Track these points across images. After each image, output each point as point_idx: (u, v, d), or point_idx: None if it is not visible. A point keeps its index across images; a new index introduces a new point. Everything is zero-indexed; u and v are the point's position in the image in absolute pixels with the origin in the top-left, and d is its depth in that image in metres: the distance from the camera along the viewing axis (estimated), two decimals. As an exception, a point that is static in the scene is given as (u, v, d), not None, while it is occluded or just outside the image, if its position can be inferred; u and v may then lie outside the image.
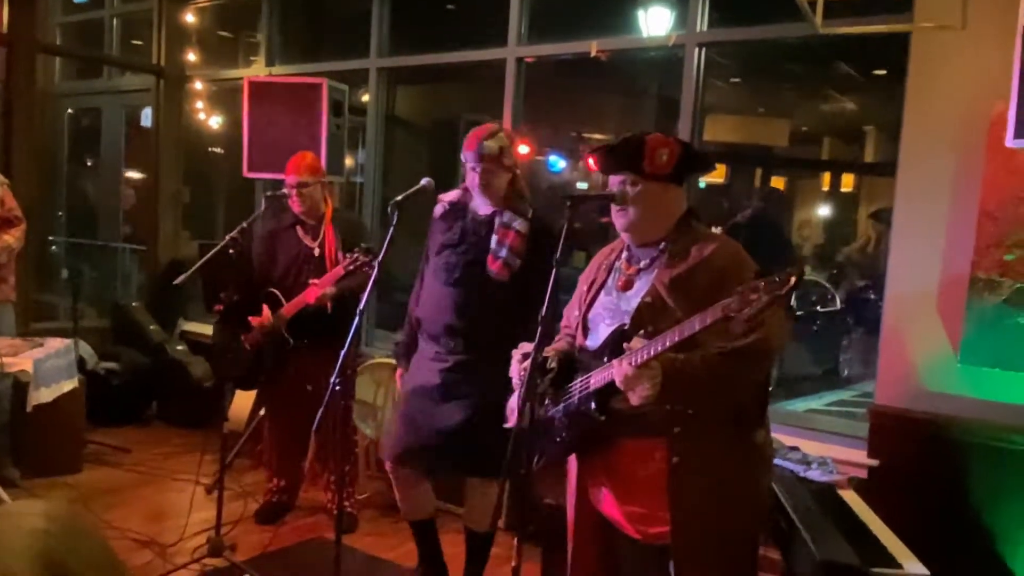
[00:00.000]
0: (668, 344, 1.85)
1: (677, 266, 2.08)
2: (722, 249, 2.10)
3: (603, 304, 2.23)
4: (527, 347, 2.25)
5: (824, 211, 10.95)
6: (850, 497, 2.68)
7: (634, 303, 2.10)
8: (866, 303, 7.75)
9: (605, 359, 2.07)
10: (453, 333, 2.96)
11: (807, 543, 2.19)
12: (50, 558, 0.85)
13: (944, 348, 3.18)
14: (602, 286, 2.26)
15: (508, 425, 2.42)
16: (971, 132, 3.07)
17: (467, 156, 2.93)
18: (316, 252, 3.80)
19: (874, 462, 3.27)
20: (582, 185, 11.73)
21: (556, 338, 2.42)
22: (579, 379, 2.17)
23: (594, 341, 2.18)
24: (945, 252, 3.18)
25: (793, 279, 1.63)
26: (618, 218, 2.16)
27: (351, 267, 3.43)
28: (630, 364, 1.90)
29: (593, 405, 2.08)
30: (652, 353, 1.87)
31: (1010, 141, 2.74)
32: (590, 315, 2.26)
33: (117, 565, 0.95)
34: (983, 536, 2.94)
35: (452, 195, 3.10)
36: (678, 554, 2.04)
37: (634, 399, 1.93)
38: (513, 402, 2.43)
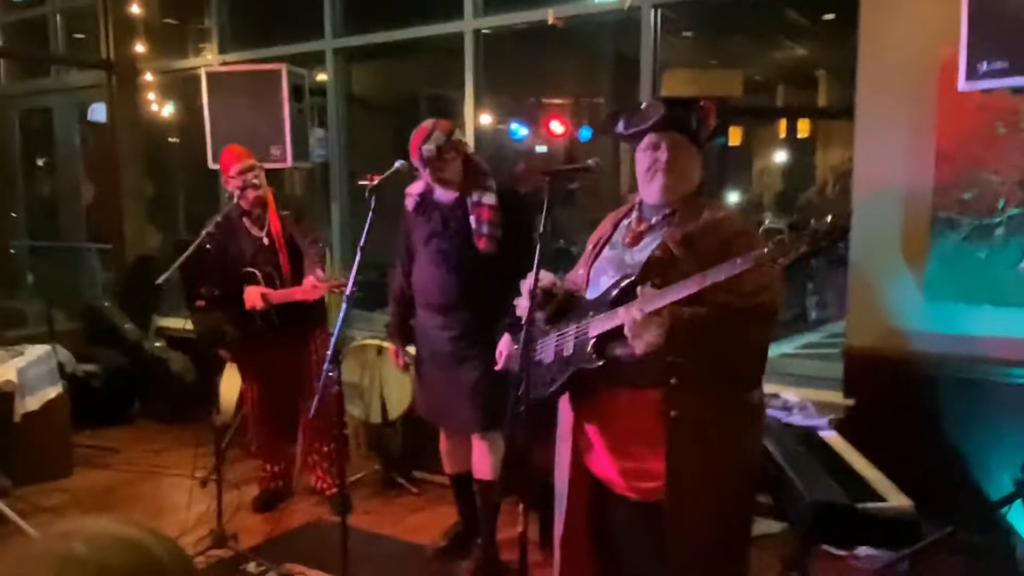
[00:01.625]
0: (686, 292, 1.89)
1: (688, 225, 2.12)
2: (734, 216, 2.18)
3: (607, 258, 2.25)
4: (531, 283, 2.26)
5: (781, 158, 11.09)
6: (832, 439, 2.80)
7: (641, 257, 2.13)
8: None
9: (608, 308, 2.08)
10: (459, 307, 3.24)
11: (797, 486, 2.30)
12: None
13: (910, 287, 3.31)
14: (607, 242, 2.28)
15: (498, 368, 2.53)
16: (923, 77, 3.17)
17: (414, 161, 3.17)
18: (265, 241, 3.77)
19: (850, 402, 3.40)
20: (541, 149, 11.75)
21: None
22: (575, 325, 2.19)
23: (594, 292, 2.20)
24: (906, 194, 3.29)
25: (838, 228, 1.70)
26: (664, 177, 2.15)
27: (332, 291, 3.52)
28: (640, 310, 1.92)
29: (591, 349, 2.10)
30: (668, 300, 1.90)
31: (962, 85, 2.84)
32: (593, 268, 2.27)
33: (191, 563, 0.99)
34: (958, 464, 3.10)
35: (417, 187, 3.32)
36: (670, 509, 2.07)
37: (639, 346, 1.95)
38: (503, 345, 2.51)
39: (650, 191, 2.19)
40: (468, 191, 3.19)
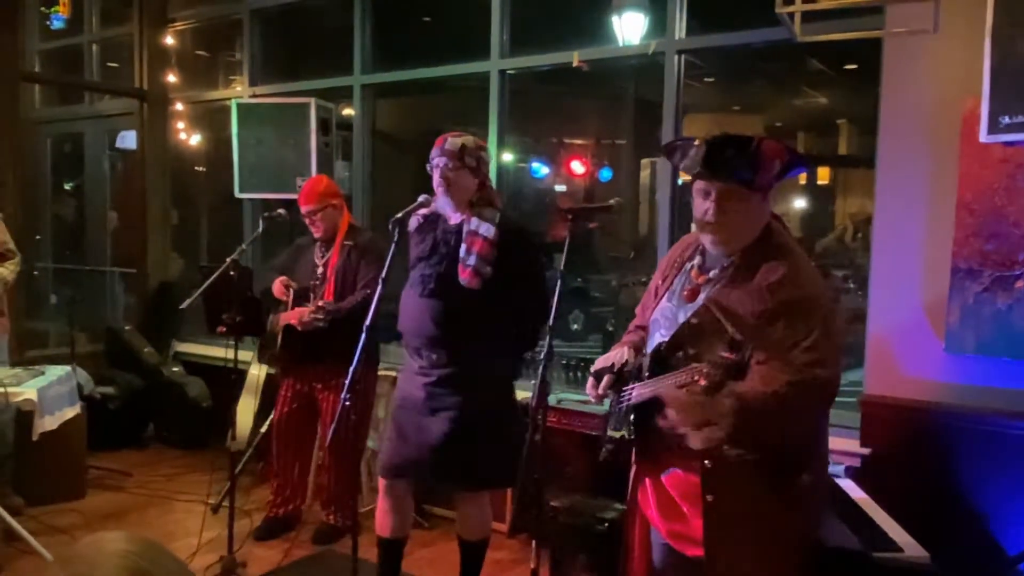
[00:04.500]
0: (649, 395, 1.87)
1: (738, 286, 1.94)
2: (790, 278, 1.91)
3: (663, 311, 2.11)
4: (600, 363, 2.21)
5: (801, 204, 11.11)
6: (848, 486, 2.78)
7: (684, 320, 2.00)
8: (846, 294, 7.88)
9: (646, 374, 2.00)
10: (433, 345, 2.97)
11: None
12: (138, 572, 0.92)
13: (929, 337, 3.29)
14: (669, 286, 2.15)
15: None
16: (945, 129, 3.18)
17: (432, 153, 2.98)
18: (320, 271, 3.94)
19: (866, 451, 3.38)
20: (560, 188, 11.86)
21: (626, 332, 2.35)
22: (630, 386, 2.11)
23: (649, 347, 2.10)
24: (926, 243, 3.29)
25: (729, 360, 1.68)
26: (715, 229, 1.97)
27: (307, 319, 3.71)
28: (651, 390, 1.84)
29: (628, 421, 2.06)
30: (640, 398, 1.85)
31: (984, 137, 2.86)
32: (651, 319, 2.15)
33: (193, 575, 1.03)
34: (975, 517, 3.05)
35: (425, 209, 3.08)
36: None
37: (692, 440, 1.83)
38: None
39: (704, 242, 2.04)
40: (469, 218, 2.97)
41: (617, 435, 2.18)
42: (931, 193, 3.25)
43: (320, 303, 3.73)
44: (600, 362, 2.23)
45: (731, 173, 1.92)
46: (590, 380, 2.23)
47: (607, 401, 2.26)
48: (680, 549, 2.08)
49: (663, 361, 1.97)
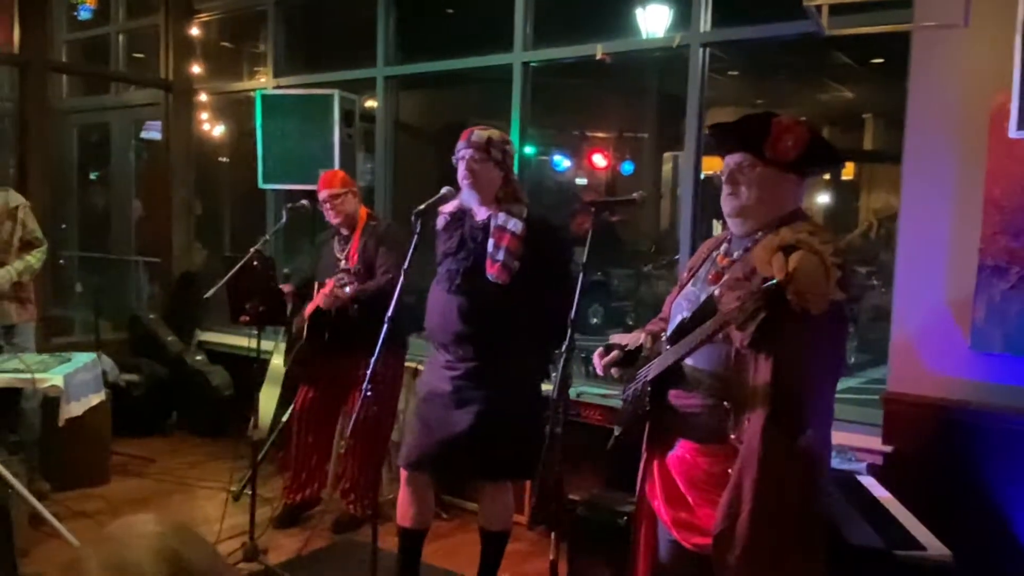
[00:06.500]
0: (670, 361, 1.89)
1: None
2: (807, 252, 1.82)
3: (686, 294, 2.15)
4: (615, 339, 2.26)
5: (824, 200, 11.03)
6: (870, 483, 2.76)
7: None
8: (870, 291, 7.83)
9: (667, 347, 2.03)
10: (461, 340, 2.98)
11: (834, 531, 2.26)
12: (169, 553, 0.94)
13: (954, 335, 3.26)
14: (694, 274, 2.19)
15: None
16: (974, 124, 3.14)
17: (459, 146, 2.99)
18: (342, 264, 3.94)
19: (888, 448, 3.35)
20: (581, 181, 11.85)
21: (650, 322, 2.37)
22: (646, 366, 2.15)
23: (669, 330, 2.12)
24: (952, 240, 3.26)
25: (772, 285, 1.67)
26: (728, 202, 2.04)
27: (337, 287, 3.63)
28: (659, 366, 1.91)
29: (646, 395, 2.08)
30: (660, 367, 1.89)
31: (1013, 132, 2.81)
32: (674, 304, 2.20)
33: (222, 557, 1.04)
34: (998, 516, 3.03)
35: (451, 206, 3.09)
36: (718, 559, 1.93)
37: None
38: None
39: (727, 221, 2.09)
40: (496, 213, 2.98)
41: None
42: (958, 189, 3.21)
43: (341, 272, 3.71)
44: (615, 338, 2.27)
45: (739, 140, 2.01)
46: (599, 350, 2.27)
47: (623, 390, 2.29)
48: (684, 539, 2.08)
49: (685, 335, 1.98)
